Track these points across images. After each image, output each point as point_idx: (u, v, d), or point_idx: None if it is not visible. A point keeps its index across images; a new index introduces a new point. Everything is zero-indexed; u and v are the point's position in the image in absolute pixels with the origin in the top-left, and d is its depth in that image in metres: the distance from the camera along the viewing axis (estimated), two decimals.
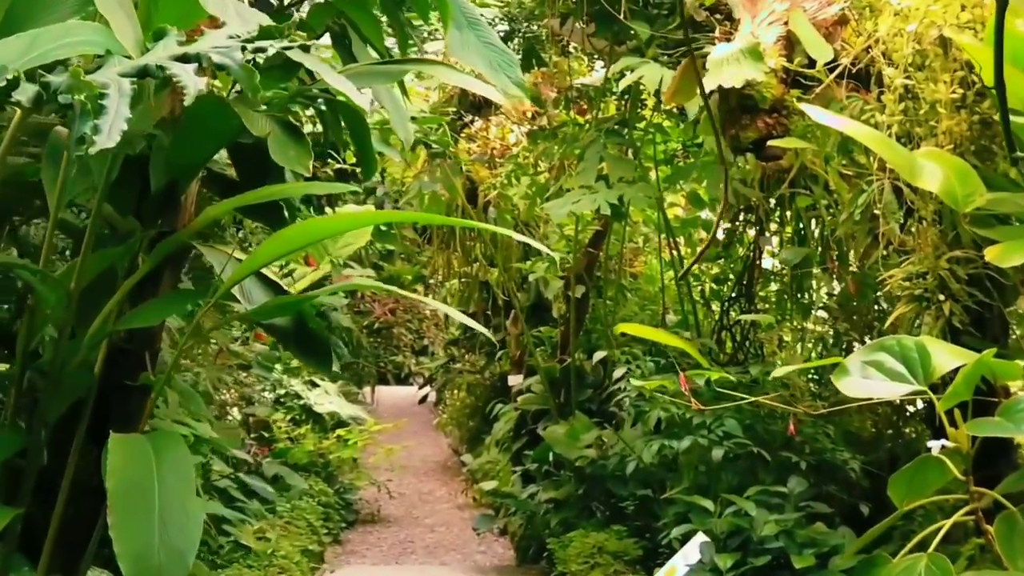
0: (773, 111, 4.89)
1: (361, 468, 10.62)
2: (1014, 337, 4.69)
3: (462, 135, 9.77)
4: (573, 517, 7.30)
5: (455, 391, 13.63)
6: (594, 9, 6.77)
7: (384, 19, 4.71)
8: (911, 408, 5.97)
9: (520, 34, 8.23)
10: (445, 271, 12.18)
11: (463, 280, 11.87)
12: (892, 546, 4.01)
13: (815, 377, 6.51)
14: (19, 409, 3.12)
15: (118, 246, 3.12)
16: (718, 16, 5.64)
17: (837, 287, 6.77)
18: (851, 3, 4.86)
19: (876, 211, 4.36)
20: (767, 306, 7.80)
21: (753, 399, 4.25)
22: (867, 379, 3.23)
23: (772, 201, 7.22)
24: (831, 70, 4.64)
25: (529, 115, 9.11)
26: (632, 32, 6.64)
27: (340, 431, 10.08)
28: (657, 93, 6.49)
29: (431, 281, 16.40)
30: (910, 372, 3.16)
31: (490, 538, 9.00)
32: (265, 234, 5.16)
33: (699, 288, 8.74)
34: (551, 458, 7.65)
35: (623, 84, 6.65)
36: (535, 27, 8.10)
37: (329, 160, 6.07)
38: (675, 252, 8.33)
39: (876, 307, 6.27)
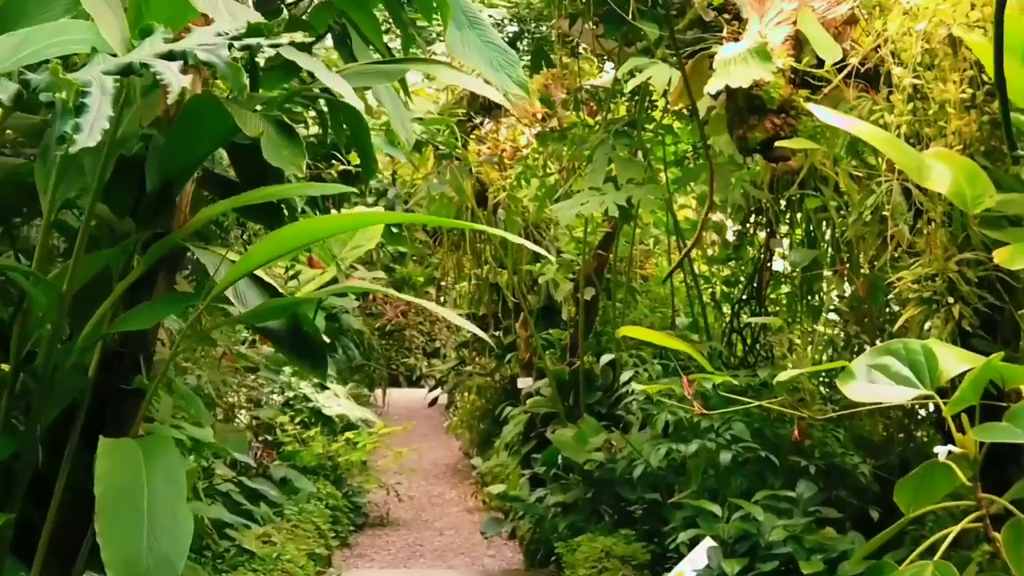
0: (781, 112, 4.82)
1: (370, 471, 10.58)
2: None
3: (472, 137, 9.73)
4: (581, 521, 7.26)
5: (465, 393, 13.59)
6: (603, 10, 6.72)
7: (389, 19, 4.67)
8: (922, 412, 5.90)
9: (529, 35, 8.18)
10: (455, 273, 12.16)
11: (473, 282, 11.84)
12: (903, 551, 3.95)
13: (826, 380, 6.45)
14: (13, 412, 3.09)
15: (113, 247, 3.09)
16: (726, 16, 5.59)
17: (848, 289, 6.70)
18: (861, 2, 4.81)
19: (885, 213, 4.31)
20: (777, 309, 7.74)
21: (758, 403, 4.18)
22: (873, 383, 3.17)
23: (783, 203, 7.18)
24: (840, 70, 4.58)
25: (539, 116, 9.07)
26: (641, 33, 6.59)
27: (349, 434, 10.04)
28: (666, 94, 6.44)
29: (443, 283, 16.39)
30: (916, 376, 3.10)
31: (499, 542, 8.95)
32: None
33: (709, 290, 8.69)
34: (560, 461, 7.61)
35: (631, 85, 6.60)
36: (544, 28, 8.05)
37: (334, 162, 6.04)
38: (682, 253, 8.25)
39: (887, 310, 6.20)
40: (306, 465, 9.07)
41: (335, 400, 10.22)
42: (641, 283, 10.30)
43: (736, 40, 5.10)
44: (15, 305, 3.24)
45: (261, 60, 3.99)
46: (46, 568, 2.99)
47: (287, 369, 9.74)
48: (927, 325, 4.22)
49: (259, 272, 3.22)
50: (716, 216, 8.65)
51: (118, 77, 2.06)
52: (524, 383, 9.76)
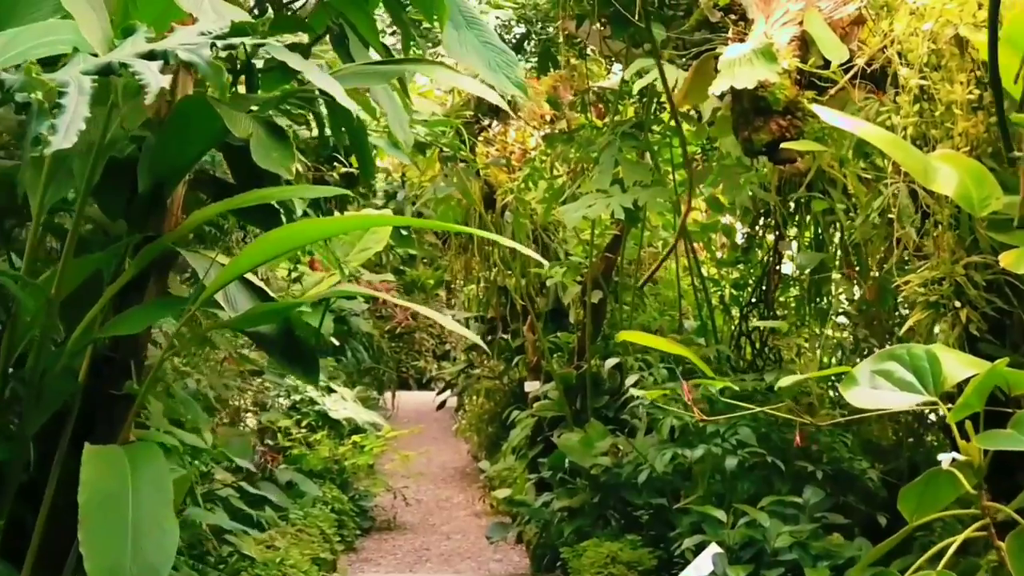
0: (787, 113, 4.77)
1: (377, 475, 10.54)
2: None
3: (480, 139, 9.68)
4: (588, 526, 7.19)
5: (474, 397, 13.53)
6: (609, 11, 6.67)
7: (388, 20, 4.62)
8: (932, 416, 5.83)
9: (536, 36, 8.13)
10: (464, 275, 12.11)
11: (481, 285, 11.79)
12: (912, 557, 3.89)
13: (834, 384, 6.38)
14: (4, 417, 3.06)
15: (104, 251, 3.05)
16: (732, 16, 5.54)
17: (857, 293, 6.64)
18: (868, 2, 4.75)
19: (891, 215, 4.25)
20: (786, 312, 7.67)
21: (759, 409, 4.12)
22: (876, 389, 3.11)
23: (792, 205, 7.12)
24: (846, 71, 4.53)
25: (548, 118, 9.02)
26: (648, 33, 6.53)
27: (356, 437, 10.00)
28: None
29: (453, 286, 16.36)
30: (920, 382, 3.04)
31: (506, 546, 8.90)
32: None
33: (718, 293, 8.63)
34: (566, 466, 7.55)
35: (637, 86, 6.55)
36: (551, 29, 8.00)
37: (336, 164, 6.00)
38: (691, 257, 8.19)
39: (896, 313, 6.14)
40: (312, 469, 9.03)
41: (342, 403, 10.17)
42: (650, 286, 10.23)
43: (742, 41, 5.05)
44: (5, 309, 3.21)
45: (260, 62, 3.98)
46: (35, 573, 2.96)
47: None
48: (937, 329, 4.16)
49: (252, 276, 3.17)
50: (725, 218, 8.60)
51: (96, 78, 2.01)
52: (531, 387, 9.70)
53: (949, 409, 2.97)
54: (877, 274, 5.76)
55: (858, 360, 6.29)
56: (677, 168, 8.13)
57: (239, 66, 3.87)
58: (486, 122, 9.66)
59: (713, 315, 8.09)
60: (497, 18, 8.27)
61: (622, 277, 9.22)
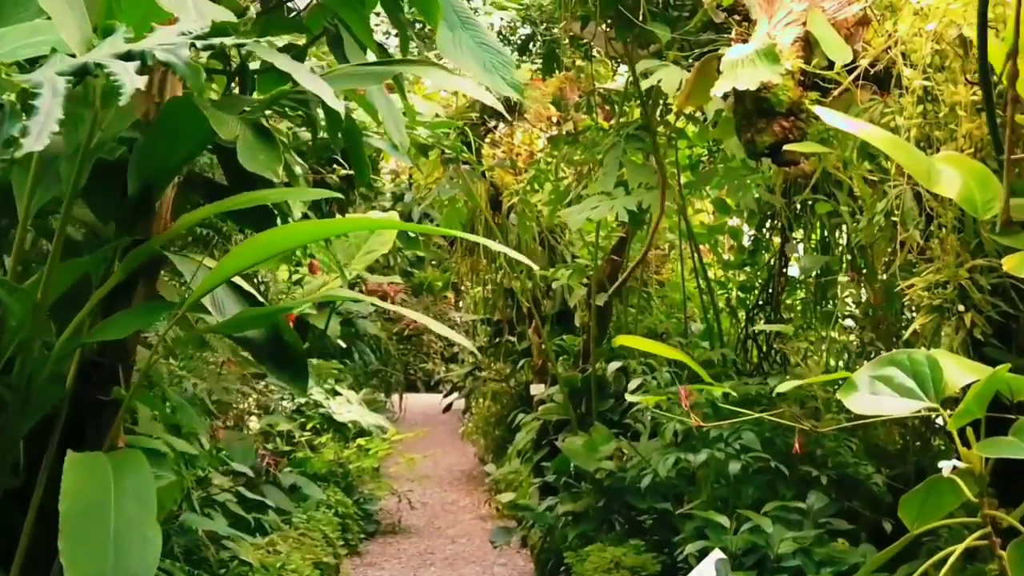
0: (790, 114, 4.70)
1: (383, 478, 10.50)
2: None
3: (487, 140, 9.64)
4: (591, 530, 7.14)
5: (480, 400, 13.49)
6: (612, 12, 6.62)
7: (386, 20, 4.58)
8: (940, 420, 5.76)
9: (540, 37, 8.08)
10: (470, 278, 12.07)
11: (488, 287, 11.75)
12: (918, 563, 3.84)
13: (838, 388, 6.31)
14: None
15: (92, 254, 3.01)
16: (736, 17, 5.48)
17: (864, 295, 6.58)
18: (873, 2, 4.69)
19: (896, 218, 4.20)
20: (792, 315, 7.61)
21: (758, 415, 4.06)
22: (876, 395, 3.07)
23: (798, 207, 7.06)
24: (850, 72, 4.47)
25: (555, 120, 8.97)
26: (653, 34, 6.49)
27: (361, 440, 9.95)
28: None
29: (461, 288, 16.33)
30: (921, 388, 2.99)
31: (511, 550, 8.86)
32: None
33: (725, 296, 8.58)
34: (571, 470, 7.50)
35: (642, 87, 6.50)
36: (556, 30, 7.96)
37: (336, 166, 5.96)
38: (696, 259, 8.14)
39: (903, 316, 6.08)
40: (316, 472, 8.99)
41: (347, 406, 10.14)
42: (657, 288, 10.19)
43: (745, 42, 4.99)
44: None
45: (256, 63, 3.94)
46: None
47: None
48: (944, 333, 4.11)
49: (242, 281, 3.13)
50: (732, 221, 8.55)
51: (73, 79, 1.97)
52: (537, 389, 9.65)
53: (950, 415, 2.92)
54: (883, 277, 5.70)
55: (865, 364, 6.23)
56: (683, 170, 8.09)
57: (233, 67, 3.85)
58: (492, 124, 9.61)
59: (719, 318, 8.03)
60: (501, 19, 8.24)
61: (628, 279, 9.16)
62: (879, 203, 4.44)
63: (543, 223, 9.71)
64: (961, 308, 3.93)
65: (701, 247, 8.47)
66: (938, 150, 3.97)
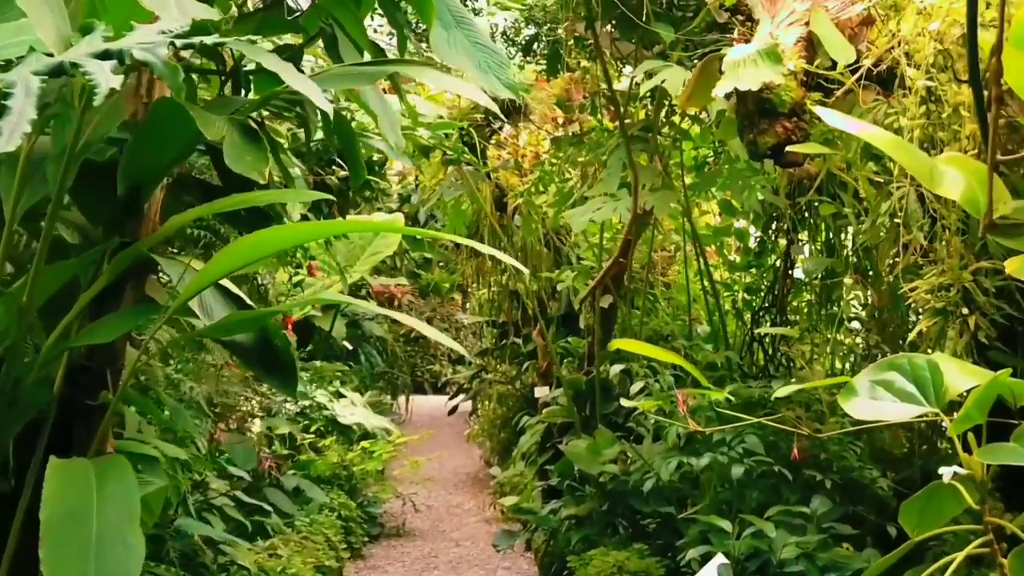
0: (793, 115, 4.66)
1: (387, 480, 10.46)
2: None
3: (492, 142, 9.60)
4: (595, 534, 7.09)
5: (486, 402, 13.45)
6: (617, 13, 6.58)
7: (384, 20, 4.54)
8: (945, 424, 5.70)
9: (544, 38, 8.04)
10: (476, 279, 12.04)
11: (493, 289, 11.71)
12: (923, 567, 3.78)
13: None
14: None
15: (79, 257, 2.97)
16: (739, 17, 5.43)
17: (870, 298, 6.53)
18: (877, 2, 4.64)
19: (898, 220, 4.15)
20: (798, 317, 7.56)
21: (757, 420, 4.02)
22: (876, 400, 3.01)
23: (804, 209, 7.00)
24: (853, 72, 4.42)
25: (560, 121, 8.92)
26: (657, 34, 6.44)
27: (365, 443, 9.91)
28: None
29: (468, 289, 16.29)
30: (921, 393, 2.94)
31: (515, 554, 8.81)
32: None
33: (731, 298, 8.52)
34: (575, 473, 7.45)
35: (645, 88, 6.45)
36: (559, 31, 7.92)
37: (335, 168, 5.92)
38: (701, 260, 8.09)
39: (909, 319, 6.02)
40: (320, 475, 8.95)
41: (351, 409, 10.10)
42: (662, 290, 10.13)
43: (747, 42, 4.95)
44: None
45: (252, 64, 3.90)
46: None
47: (303, 375, 9.64)
48: (951, 335, 4.05)
49: (230, 284, 3.09)
50: (739, 223, 8.50)
51: (46, 78, 1.93)
52: (541, 392, 9.60)
53: (951, 420, 2.86)
54: (888, 279, 5.65)
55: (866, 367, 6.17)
56: (688, 171, 8.04)
57: (231, 68, 3.81)
58: (497, 125, 9.56)
59: (724, 320, 7.98)
60: (505, 20, 8.20)
61: (634, 281, 9.11)
62: (883, 205, 4.39)
63: (548, 225, 9.66)
64: (965, 311, 3.88)
65: (707, 249, 8.41)
66: (942, 151, 3.92)
